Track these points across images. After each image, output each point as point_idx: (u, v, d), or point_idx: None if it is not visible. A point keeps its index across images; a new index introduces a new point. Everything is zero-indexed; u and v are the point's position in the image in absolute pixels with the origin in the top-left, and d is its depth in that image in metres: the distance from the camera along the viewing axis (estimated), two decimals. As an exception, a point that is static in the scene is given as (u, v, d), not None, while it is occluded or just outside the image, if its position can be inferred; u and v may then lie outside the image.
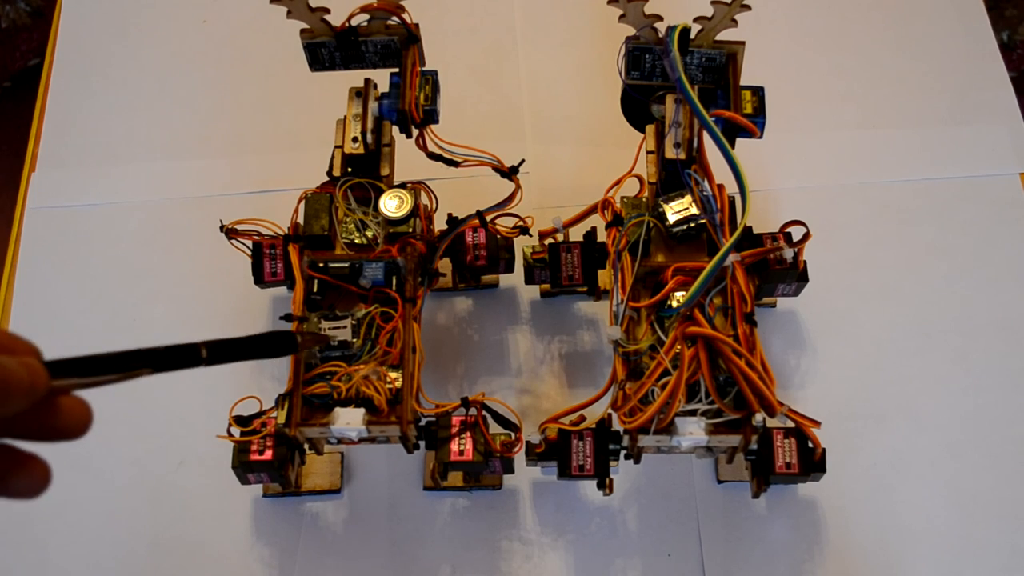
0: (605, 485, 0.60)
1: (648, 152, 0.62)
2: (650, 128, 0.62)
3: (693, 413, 0.55)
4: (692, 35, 0.58)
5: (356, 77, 0.62)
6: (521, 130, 0.82)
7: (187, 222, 0.78)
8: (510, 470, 0.62)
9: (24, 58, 1.52)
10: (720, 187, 0.59)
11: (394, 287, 0.60)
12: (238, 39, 0.87)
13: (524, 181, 0.65)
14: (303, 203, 0.61)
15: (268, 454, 0.59)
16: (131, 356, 0.36)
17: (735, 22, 0.57)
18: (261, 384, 0.71)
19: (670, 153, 0.59)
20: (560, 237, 0.68)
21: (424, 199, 0.63)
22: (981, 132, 0.80)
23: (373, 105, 0.61)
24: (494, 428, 0.60)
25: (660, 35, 0.58)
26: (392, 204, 0.60)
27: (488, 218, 0.65)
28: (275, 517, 0.67)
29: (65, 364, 0.34)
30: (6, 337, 0.35)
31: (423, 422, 0.59)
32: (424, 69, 0.61)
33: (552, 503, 0.67)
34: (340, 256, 0.60)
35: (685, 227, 0.59)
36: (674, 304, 0.56)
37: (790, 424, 0.59)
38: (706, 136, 0.58)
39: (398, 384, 0.56)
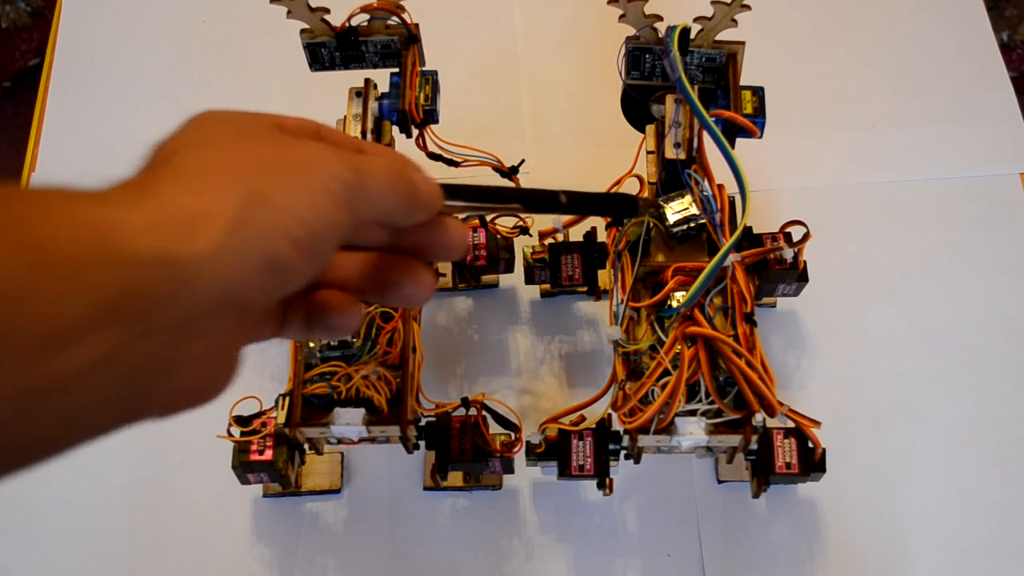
0: (605, 485, 0.60)
1: (648, 152, 0.62)
2: (650, 128, 0.62)
3: (693, 413, 0.55)
4: (692, 35, 0.58)
5: (356, 77, 0.62)
6: (521, 130, 0.82)
7: (187, 222, 0.78)
8: (510, 470, 0.62)
9: (24, 58, 1.52)
10: (720, 187, 0.59)
11: (394, 287, 0.60)
12: (238, 39, 0.87)
13: (524, 181, 0.65)
14: (303, 203, 0.61)
15: (268, 454, 0.59)
16: (506, 191, 0.40)
17: (735, 22, 0.57)
18: (261, 384, 0.71)
19: (670, 153, 0.59)
20: (560, 237, 0.68)
21: (424, 199, 0.63)
22: (981, 132, 0.80)
23: (373, 105, 0.61)
24: (494, 428, 0.60)
25: (660, 35, 0.58)
26: (392, 204, 0.60)
27: (488, 218, 0.65)
28: (275, 517, 0.67)
29: (450, 188, 0.37)
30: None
31: (423, 422, 0.59)
32: (424, 69, 0.61)
33: (552, 503, 0.67)
34: (340, 256, 0.60)
35: (685, 227, 0.59)
36: (674, 304, 0.56)
37: (790, 424, 0.59)
38: (706, 136, 0.58)
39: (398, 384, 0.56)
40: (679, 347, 0.55)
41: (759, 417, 0.54)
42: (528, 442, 0.60)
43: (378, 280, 0.37)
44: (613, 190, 0.63)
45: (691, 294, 0.55)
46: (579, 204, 0.43)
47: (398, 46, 0.61)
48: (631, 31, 0.58)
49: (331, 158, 0.32)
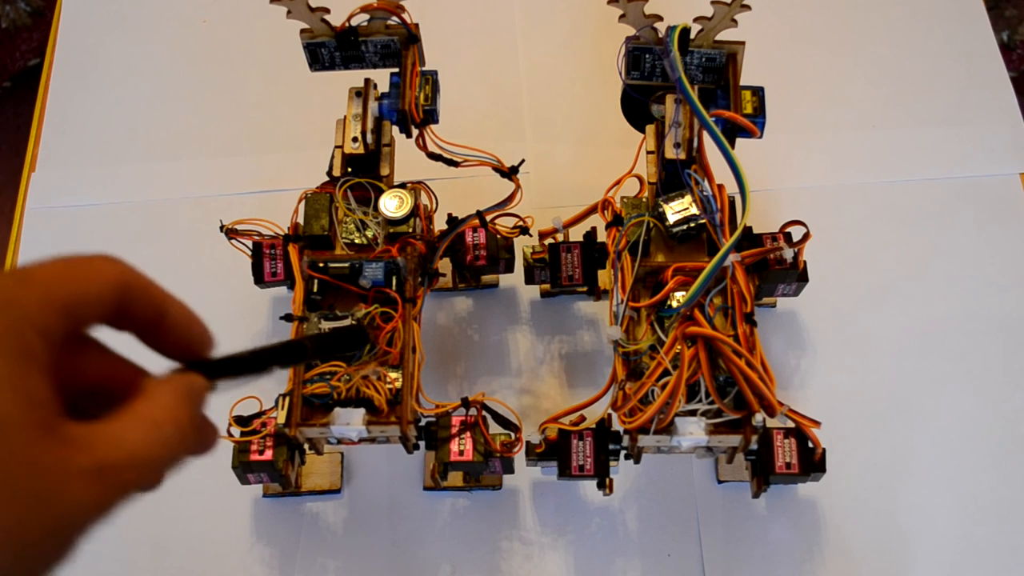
0: (605, 485, 0.60)
1: (648, 152, 0.62)
2: (650, 128, 0.62)
3: (693, 413, 0.55)
4: (692, 35, 0.58)
5: (356, 77, 0.62)
6: (521, 130, 0.82)
7: (187, 222, 0.78)
8: (510, 470, 0.62)
9: (24, 58, 1.52)
10: (720, 187, 0.59)
11: (394, 287, 0.60)
12: (238, 39, 0.87)
13: (524, 181, 0.65)
14: (303, 203, 0.61)
15: (268, 454, 0.59)
16: (263, 355, 0.39)
17: (735, 22, 0.57)
18: (261, 384, 0.70)
19: (670, 153, 0.59)
20: (560, 237, 0.68)
21: (424, 199, 0.63)
22: (981, 132, 0.80)
23: (373, 105, 0.61)
24: (494, 428, 0.60)
25: (660, 35, 0.58)
26: (392, 204, 0.60)
27: (488, 218, 0.65)
28: (275, 517, 0.67)
29: (210, 366, 0.36)
30: (191, 324, 0.35)
31: (423, 422, 0.59)
32: (424, 69, 0.61)
33: (552, 503, 0.67)
34: (340, 256, 0.60)
35: (685, 227, 0.59)
36: (674, 304, 0.57)
37: (790, 424, 0.59)
38: (706, 136, 0.58)
39: (398, 384, 0.56)
40: (679, 347, 0.55)
41: (759, 417, 0.54)
42: (528, 442, 0.60)
43: None
44: (613, 190, 0.64)
45: (691, 294, 0.55)
46: (322, 347, 0.48)
47: (398, 46, 0.61)
48: (631, 31, 0.58)
49: (71, 487, 0.27)
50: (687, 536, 0.65)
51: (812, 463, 0.59)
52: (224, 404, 0.60)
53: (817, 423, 0.59)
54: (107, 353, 0.34)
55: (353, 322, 0.57)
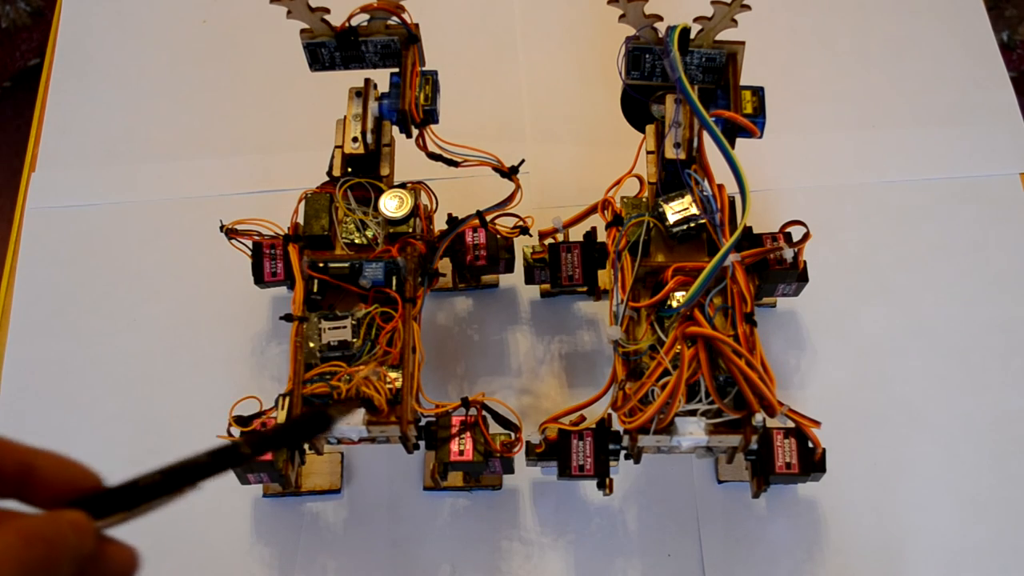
0: (605, 485, 0.60)
1: (648, 152, 0.62)
2: (650, 128, 0.62)
3: (693, 413, 0.55)
4: (692, 35, 0.58)
5: (356, 77, 0.62)
6: (521, 130, 0.82)
7: (187, 222, 0.78)
8: (510, 470, 0.62)
9: (24, 58, 1.52)
10: (720, 187, 0.59)
11: (394, 287, 0.60)
12: (238, 39, 0.87)
13: (524, 181, 0.65)
14: (303, 203, 0.61)
15: (268, 454, 0.59)
16: (176, 475, 0.37)
17: (735, 22, 0.57)
18: (261, 384, 0.71)
19: (670, 153, 0.59)
20: (560, 237, 0.68)
21: (424, 199, 0.63)
22: (981, 132, 0.80)
23: (373, 105, 0.61)
24: (494, 428, 0.60)
25: (660, 35, 0.58)
26: (392, 204, 0.60)
27: (488, 218, 0.65)
28: (275, 517, 0.67)
29: (111, 497, 0.34)
30: (66, 469, 0.34)
31: (423, 422, 0.59)
32: (424, 69, 0.61)
33: (552, 503, 0.67)
34: (340, 256, 0.60)
35: (685, 227, 0.59)
36: (674, 304, 0.57)
37: (790, 424, 0.59)
38: (706, 136, 0.58)
39: (398, 384, 0.56)
40: (679, 347, 0.55)
41: (759, 417, 0.54)
42: (528, 442, 0.60)
43: None
44: (613, 190, 0.64)
45: (691, 294, 0.55)
46: (265, 444, 0.40)
47: (398, 46, 0.61)
48: (631, 31, 0.58)
49: None
50: (687, 536, 0.65)
51: (812, 463, 0.59)
52: (224, 404, 0.60)
53: (817, 423, 0.59)
54: None
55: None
